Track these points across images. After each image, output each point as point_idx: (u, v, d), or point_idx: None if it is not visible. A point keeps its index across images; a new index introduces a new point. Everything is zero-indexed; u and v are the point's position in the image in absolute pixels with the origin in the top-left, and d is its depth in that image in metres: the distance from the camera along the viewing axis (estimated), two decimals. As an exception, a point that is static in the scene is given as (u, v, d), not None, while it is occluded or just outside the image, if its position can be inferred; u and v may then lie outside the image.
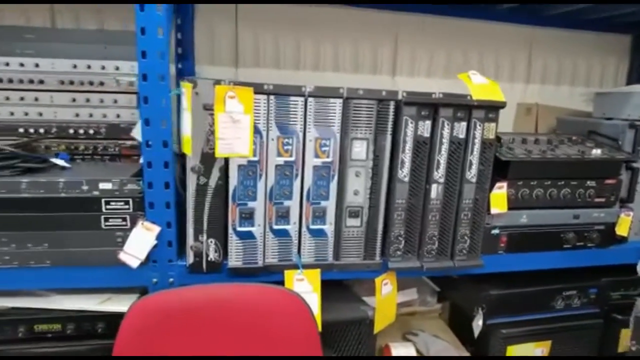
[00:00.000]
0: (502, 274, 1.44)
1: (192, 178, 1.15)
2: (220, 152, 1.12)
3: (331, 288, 1.29)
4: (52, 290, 1.26)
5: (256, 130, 1.14)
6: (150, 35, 1.07)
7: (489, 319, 1.47)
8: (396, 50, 1.84)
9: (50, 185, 1.12)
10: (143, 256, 1.16)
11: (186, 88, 1.09)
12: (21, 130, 1.36)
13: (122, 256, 1.16)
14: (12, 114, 1.36)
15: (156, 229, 1.16)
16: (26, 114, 1.36)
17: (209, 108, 1.12)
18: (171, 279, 1.21)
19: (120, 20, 1.62)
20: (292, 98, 1.15)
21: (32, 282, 1.18)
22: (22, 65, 1.34)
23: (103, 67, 1.36)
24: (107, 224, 1.16)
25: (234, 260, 1.21)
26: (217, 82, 1.11)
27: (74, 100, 1.37)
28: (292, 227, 1.23)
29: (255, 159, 1.16)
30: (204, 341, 1.10)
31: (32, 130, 1.36)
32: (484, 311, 1.45)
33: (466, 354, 1.55)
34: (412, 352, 1.44)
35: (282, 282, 1.23)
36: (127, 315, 1.06)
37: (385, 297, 1.32)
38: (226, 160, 1.15)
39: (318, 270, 1.25)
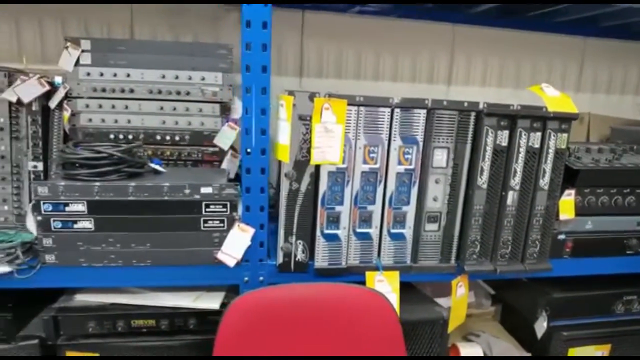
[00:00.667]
0: (560, 277, 1.50)
1: (285, 183, 1.23)
2: (315, 159, 1.19)
3: (402, 289, 1.36)
4: (146, 288, 1.34)
5: (346, 139, 1.21)
6: (255, 51, 1.14)
7: (551, 321, 1.53)
8: (452, 61, 1.91)
9: (155, 189, 1.20)
10: (239, 256, 1.23)
11: (286, 100, 1.17)
12: (111, 136, 1.45)
13: (220, 255, 1.23)
14: (103, 120, 1.44)
15: (251, 231, 1.24)
16: (116, 121, 1.45)
17: (303, 118, 1.19)
18: (261, 278, 1.29)
19: (192, 33, 1.71)
20: (380, 109, 1.22)
21: (134, 280, 1.26)
22: (115, 75, 1.42)
23: (190, 78, 1.44)
24: (206, 225, 1.23)
25: (320, 260, 1.28)
26: (313, 94, 1.18)
27: (161, 108, 1.45)
28: (373, 231, 1.30)
29: (344, 166, 1.23)
30: (299, 337, 1.17)
31: (121, 137, 1.45)
32: (548, 314, 1.51)
33: (527, 354, 1.60)
34: (479, 352, 1.50)
35: (362, 283, 1.30)
36: (229, 311, 1.13)
37: (460, 299, 1.38)
38: (317, 167, 1.23)
39: (397, 272, 1.32)
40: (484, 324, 1.79)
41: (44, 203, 1.16)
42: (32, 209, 1.17)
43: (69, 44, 1.40)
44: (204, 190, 1.22)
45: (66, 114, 1.41)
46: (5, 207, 1.39)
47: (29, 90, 1.34)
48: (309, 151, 1.21)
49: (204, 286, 1.37)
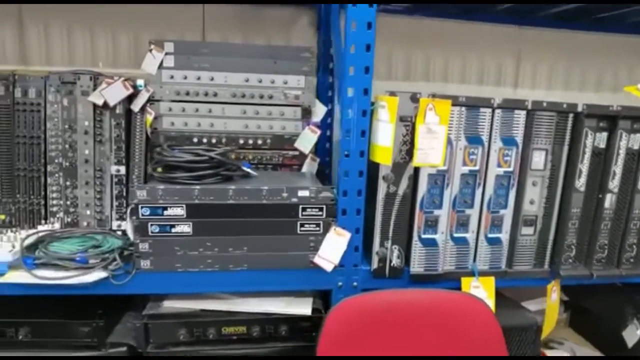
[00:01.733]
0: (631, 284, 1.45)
1: (382, 186, 1.20)
2: (417, 161, 1.17)
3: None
4: (234, 293, 1.31)
5: (447, 141, 1.18)
6: (358, 52, 1.12)
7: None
8: (519, 64, 1.89)
9: (254, 192, 1.17)
10: (337, 260, 1.20)
11: (389, 101, 1.15)
12: (195, 140, 1.43)
13: (317, 260, 1.20)
14: (185, 124, 1.43)
15: (347, 235, 1.21)
16: (199, 124, 1.43)
17: (404, 119, 1.17)
18: (355, 283, 1.26)
19: (264, 36, 1.70)
20: (482, 109, 1.19)
21: (229, 285, 1.23)
22: (198, 78, 1.41)
23: (272, 81, 1.43)
24: (302, 229, 1.21)
25: (417, 266, 1.25)
26: (415, 95, 1.16)
27: (244, 112, 1.44)
28: (470, 235, 1.27)
29: (444, 168, 1.20)
30: (402, 343, 1.14)
31: (204, 141, 1.43)
32: None
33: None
34: (568, 360, 1.46)
35: (457, 289, 1.27)
36: (330, 317, 1.11)
37: (553, 304, 1.35)
38: (416, 169, 1.20)
39: (492, 278, 1.28)
40: (557, 331, 1.75)
41: (142, 207, 1.14)
42: (130, 213, 1.15)
43: (152, 46, 1.39)
44: (301, 193, 1.19)
45: (149, 117, 1.40)
46: (88, 212, 1.38)
47: (114, 93, 1.33)
48: (408, 153, 1.19)
49: (289, 292, 1.34)
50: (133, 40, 1.65)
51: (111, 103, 1.33)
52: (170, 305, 1.29)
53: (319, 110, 1.46)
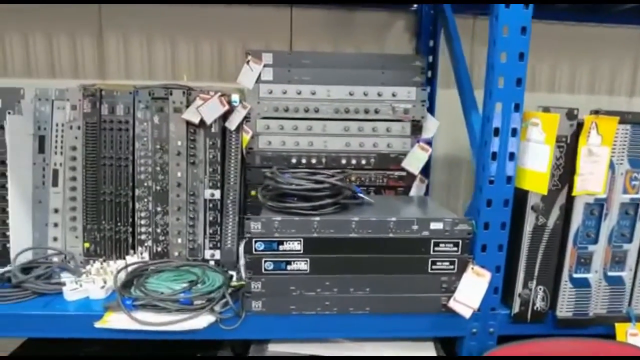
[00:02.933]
0: None
1: (530, 218, 1.03)
2: (578, 189, 0.99)
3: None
4: (346, 337, 1.15)
5: (609, 165, 1.00)
6: (510, 61, 0.95)
7: None
8: (636, 70, 1.68)
9: (380, 225, 1.01)
10: (476, 305, 1.03)
11: (545, 119, 0.97)
12: (293, 160, 1.28)
13: (453, 304, 1.03)
14: (283, 143, 1.29)
15: (487, 275, 1.04)
16: (297, 143, 1.29)
17: (559, 140, 0.99)
18: (491, 329, 1.08)
19: (354, 44, 1.55)
20: (650, 128, 1.01)
21: (347, 331, 1.07)
22: (298, 93, 1.26)
23: (379, 94, 1.27)
24: (433, 267, 1.04)
25: (565, 310, 1.07)
26: (571, 111, 0.99)
27: (346, 129, 1.29)
28: (626, 274, 1.08)
29: (604, 196, 1.02)
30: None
31: (304, 161, 1.29)
32: None
33: None
34: None
35: (606, 336, 1.08)
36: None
37: None
38: (569, 197, 1.02)
39: (653, 324, 1.09)
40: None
41: (256, 241, 1.00)
42: (244, 248, 1.00)
43: (250, 57, 1.25)
44: (434, 226, 1.03)
45: (246, 136, 1.26)
46: (179, 240, 1.25)
47: (211, 110, 1.20)
48: (561, 179, 1.01)
49: (404, 336, 1.17)
50: (217, 50, 1.52)
51: (208, 121, 1.20)
52: (276, 349, 1.14)
53: (431, 125, 1.30)
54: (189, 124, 1.22)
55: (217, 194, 1.24)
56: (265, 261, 1.01)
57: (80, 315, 1.03)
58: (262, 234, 1.00)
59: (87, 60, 1.51)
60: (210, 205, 1.24)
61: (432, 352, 1.13)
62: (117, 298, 1.01)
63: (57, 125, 1.23)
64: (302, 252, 1.01)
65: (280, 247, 1.00)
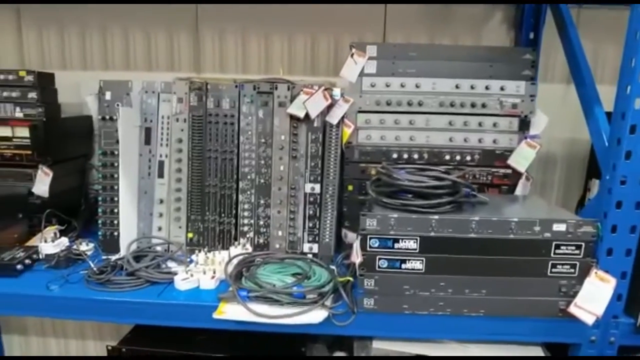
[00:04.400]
0: None
1: (662, 219, 0.96)
2: None
3: None
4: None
5: None
6: (655, 53, 0.88)
7: None
8: None
9: (501, 225, 0.97)
10: (600, 312, 0.97)
11: (692, 115, 0.90)
12: (394, 155, 1.26)
13: (574, 309, 0.98)
14: (382, 137, 1.26)
15: (612, 281, 0.98)
16: (397, 138, 1.26)
17: (703, 138, 0.91)
18: (612, 338, 1.02)
19: (450, 36, 1.50)
20: None
21: (460, 332, 1.04)
22: (402, 86, 1.24)
23: (487, 88, 1.23)
24: (553, 270, 0.99)
25: (698, 322, 0.99)
26: None
27: (450, 123, 1.25)
28: None
29: None
30: None
31: (405, 156, 1.26)
32: None
33: None
34: None
35: None
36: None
37: None
38: None
39: None
40: None
41: (371, 238, 0.98)
42: (360, 244, 0.99)
43: (354, 50, 1.23)
44: (556, 227, 0.98)
45: (347, 130, 1.24)
46: (280, 233, 1.25)
47: (315, 104, 1.19)
48: (702, 181, 0.93)
49: (516, 340, 1.12)
50: (310, 43, 1.52)
51: (313, 115, 1.19)
52: (380, 347, 1.12)
53: (540, 121, 1.24)
54: (292, 118, 1.22)
55: (317, 188, 1.24)
56: (380, 259, 0.99)
57: (193, 305, 1.05)
58: (377, 231, 0.98)
59: (183, 55, 1.53)
60: (310, 199, 1.24)
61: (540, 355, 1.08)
62: (232, 289, 1.03)
63: (162, 117, 1.26)
64: (417, 250, 0.99)
65: (396, 245, 0.98)
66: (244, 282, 1.06)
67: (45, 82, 1.31)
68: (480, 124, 1.24)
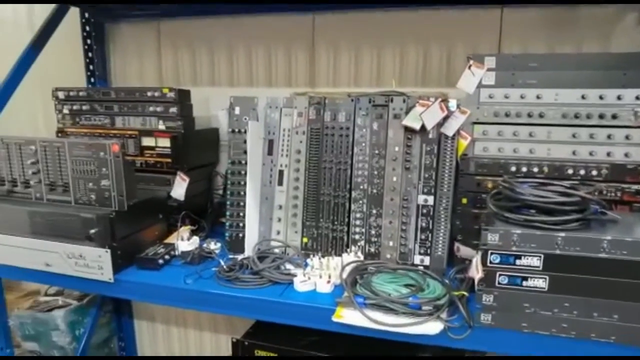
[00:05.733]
0: None
1: None
2: None
3: None
4: None
5: None
6: None
7: None
8: None
9: (637, 246, 0.91)
10: None
11: None
12: (512, 169, 1.23)
13: None
14: (499, 150, 1.24)
15: None
16: (516, 150, 1.22)
17: None
18: None
19: (573, 42, 1.42)
20: None
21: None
22: (522, 97, 1.20)
23: (619, 98, 1.14)
24: (701, 299, 0.90)
25: None
26: None
27: (574, 135, 1.18)
28: None
29: None
30: None
31: (524, 169, 1.22)
32: None
33: None
34: None
35: None
36: None
37: None
38: None
39: None
40: None
41: (492, 253, 0.97)
42: (480, 259, 0.99)
43: (472, 62, 1.22)
44: None
45: (463, 142, 1.24)
46: (391, 243, 1.28)
47: (431, 116, 1.21)
48: None
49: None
50: (422, 55, 1.53)
51: (429, 127, 1.21)
52: (494, 364, 1.10)
53: (683, 134, 1.13)
54: (406, 129, 1.24)
55: (431, 200, 1.25)
56: (500, 275, 0.98)
57: (311, 306, 1.11)
58: (498, 246, 0.97)
59: (300, 71, 1.64)
60: (423, 211, 1.25)
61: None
62: (349, 295, 1.08)
63: (284, 130, 1.36)
64: (541, 268, 0.95)
65: (517, 262, 0.96)
66: (359, 289, 1.11)
67: (183, 98, 1.48)
68: (609, 137, 1.16)
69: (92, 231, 1.17)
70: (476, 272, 0.99)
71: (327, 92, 1.56)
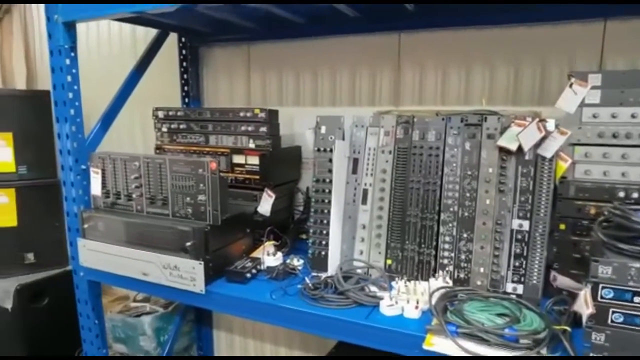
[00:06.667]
0: None
1: None
2: None
3: None
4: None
5: None
6: None
7: None
8: None
9: None
10: None
11: None
12: (620, 194, 1.13)
13: None
14: (604, 173, 1.14)
15: None
16: (624, 174, 1.13)
17: None
18: None
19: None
20: None
21: None
22: (633, 117, 1.11)
23: None
24: None
25: None
26: None
27: (696, 159, 1.07)
28: None
29: None
30: None
31: (635, 195, 1.11)
32: None
33: None
34: None
35: None
36: None
37: None
38: None
39: None
40: None
41: (603, 288, 0.89)
42: (590, 291, 0.91)
43: (573, 79, 1.15)
44: None
45: (563, 165, 1.16)
46: (482, 269, 1.22)
47: (529, 136, 1.14)
48: None
49: None
50: (513, 72, 1.47)
51: (526, 148, 1.15)
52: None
53: None
54: (501, 150, 1.19)
55: (526, 225, 1.17)
56: (614, 312, 0.89)
57: (399, 331, 1.08)
58: (612, 280, 0.89)
59: (384, 89, 1.63)
60: (518, 236, 1.18)
61: None
62: (439, 322, 1.04)
63: (369, 149, 1.35)
64: (663, 307, 0.86)
65: (636, 299, 0.87)
66: (450, 317, 1.06)
67: (272, 118, 1.53)
68: None
69: (188, 243, 1.24)
70: (585, 306, 0.91)
71: (412, 110, 1.53)
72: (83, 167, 1.47)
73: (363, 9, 1.47)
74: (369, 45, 1.63)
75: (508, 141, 1.16)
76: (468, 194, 1.23)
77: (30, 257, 2.16)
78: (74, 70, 1.42)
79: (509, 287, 1.20)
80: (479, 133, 1.21)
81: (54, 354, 2.13)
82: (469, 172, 1.22)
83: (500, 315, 1.06)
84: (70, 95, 1.42)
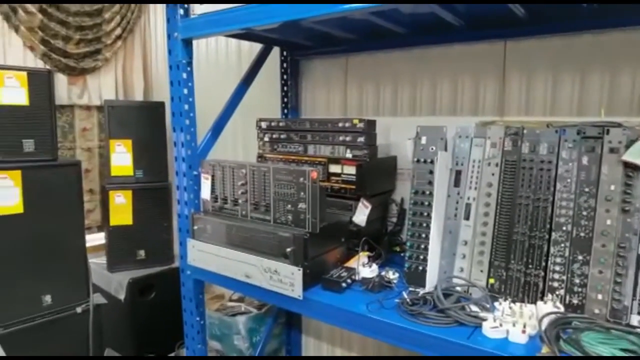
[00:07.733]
0: None
1: None
2: None
3: None
4: None
5: None
6: None
7: None
8: None
9: None
10: None
11: None
12: None
13: None
14: None
15: None
16: None
17: None
18: None
19: None
20: None
21: None
22: None
23: None
24: None
25: None
26: None
27: None
28: None
29: None
30: None
31: None
32: None
33: None
34: None
35: None
36: None
37: None
38: None
39: None
40: None
41: None
42: None
43: None
44: None
45: None
46: (600, 296, 1.11)
47: (661, 151, 1.03)
48: None
49: None
50: (638, 80, 1.33)
51: (655, 164, 1.03)
52: None
53: None
54: (626, 166, 1.08)
55: (656, 250, 1.05)
56: None
57: (504, 356, 1.02)
58: None
59: (488, 99, 1.56)
60: (646, 262, 1.06)
61: None
62: (551, 350, 0.96)
63: (473, 161, 1.30)
64: None
65: None
66: (563, 345, 0.98)
67: (370, 128, 1.53)
68: None
69: (289, 249, 1.28)
70: None
71: (518, 120, 1.45)
72: (195, 173, 1.59)
73: (469, 17, 1.42)
74: (472, 54, 1.58)
75: (635, 156, 1.05)
76: (584, 213, 1.13)
77: (142, 253, 2.38)
78: (189, 84, 1.54)
79: (634, 319, 1.08)
80: (599, 146, 1.11)
81: (155, 344, 2.32)
82: (586, 189, 1.13)
83: (624, 350, 0.96)
84: (186, 106, 1.54)
